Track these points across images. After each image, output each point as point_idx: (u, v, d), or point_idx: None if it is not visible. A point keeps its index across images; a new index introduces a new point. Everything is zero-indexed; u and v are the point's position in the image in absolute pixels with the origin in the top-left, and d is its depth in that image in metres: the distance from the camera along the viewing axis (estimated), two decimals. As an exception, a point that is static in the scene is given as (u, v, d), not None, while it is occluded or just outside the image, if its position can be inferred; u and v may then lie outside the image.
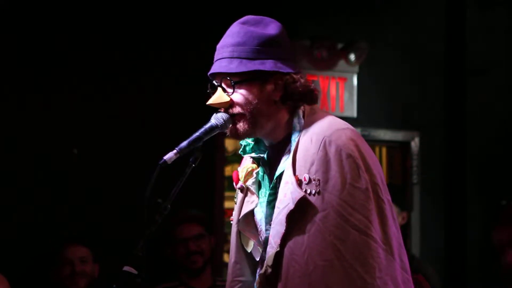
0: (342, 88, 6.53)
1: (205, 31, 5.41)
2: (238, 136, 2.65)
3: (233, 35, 2.61)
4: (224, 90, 2.62)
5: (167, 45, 5.75)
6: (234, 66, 2.58)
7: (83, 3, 5.55)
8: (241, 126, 2.61)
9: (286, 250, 2.53)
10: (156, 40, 5.73)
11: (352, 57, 6.40)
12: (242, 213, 2.73)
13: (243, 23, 2.64)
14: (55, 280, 4.78)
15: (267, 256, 2.58)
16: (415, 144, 6.87)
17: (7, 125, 5.31)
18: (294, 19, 6.18)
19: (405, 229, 6.55)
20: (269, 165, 2.69)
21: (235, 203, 2.79)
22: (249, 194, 2.73)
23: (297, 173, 2.54)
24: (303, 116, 2.63)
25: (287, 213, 2.52)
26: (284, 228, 2.52)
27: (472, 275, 6.59)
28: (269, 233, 2.60)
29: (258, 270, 2.68)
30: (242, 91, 2.60)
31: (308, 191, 2.51)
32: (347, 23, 6.57)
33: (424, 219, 6.81)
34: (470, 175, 6.86)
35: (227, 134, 2.66)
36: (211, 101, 2.63)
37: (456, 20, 6.93)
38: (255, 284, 2.67)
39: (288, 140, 2.63)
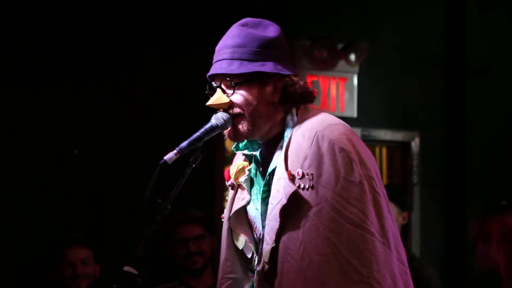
0: (342, 88, 6.53)
1: (206, 31, 5.41)
2: (238, 138, 2.66)
3: (233, 37, 2.61)
4: (224, 91, 2.62)
5: (168, 45, 5.75)
6: (235, 68, 2.58)
7: (84, 3, 5.55)
8: (241, 128, 2.62)
9: (281, 245, 2.53)
10: (156, 40, 5.73)
11: (352, 57, 6.40)
12: (233, 210, 2.74)
13: (243, 25, 2.64)
14: (56, 282, 4.77)
15: (263, 252, 2.58)
16: (415, 144, 6.87)
17: (7, 125, 5.31)
18: (294, 19, 6.19)
19: (405, 229, 6.56)
20: (262, 162, 2.69)
21: (226, 201, 2.79)
22: (239, 191, 2.74)
23: (289, 168, 2.54)
24: (297, 114, 2.64)
25: (280, 208, 2.52)
26: (278, 223, 2.52)
27: (472, 275, 6.59)
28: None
29: (256, 267, 2.68)
30: (242, 92, 2.60)
31: (302, 186, 2.51)
32: (347, 23, 6.57)
33: (424, 219, 6.82)
34: (470, 175, 6.86)
35: (225, 137, 2.66)
36: (210, 102, 2.63)
37: (456, 20, 6.94)
38: (253, 281, 2.67)
39: (280, 137, 2.64)
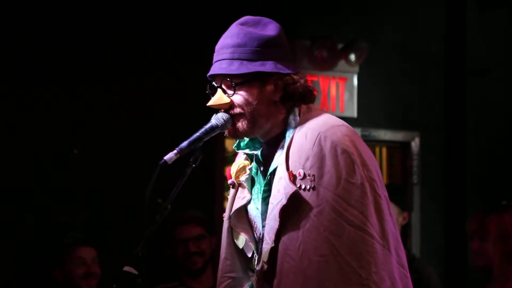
0: (342, 88, 6.53)
1: (206, 31, 5.41)
2: (237, 135, 2.65)
3: (232, 36, 2.61)
4: (224, 92, 2.62)
5: (167, 45, 5.75)
6: (235, 68, 2.58)
7: (84, 3, 5.55)
8: (240, 126, 2.61)
9: (280, 245, 2.52)
10: (156, 40, 5.73)
11: (352, 57, 6.40)
12: (233, 209, 2.73)
13: (242, 24, 2.64)
14: (63, 281, 4.73)
15: (263, 252, 2.58)
16: (415, 144, 6.87)
17: (7, 125, 5.31)
18: (294, 19, 6.19)
19: (405, 229, 6.56)
20: (263, 161, 2.69)
21: (227, 200, 2.79)
22: (240, 189, 2.73)
23: (291, 169, 2.54)
24: (299, 114, 2.63)
25: (280, 208, 2.52)
26: (277, 223, 2.52)
27: (472, 275, 6.59)
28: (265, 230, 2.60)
29: (256, 267, 2.67)
30: (242, 92, 2.60)
31: (303, 186, 2.51)
32: (347, 23, 6.57)
33: (424, 219, 6.82)
34: (470, 175, 6.86)
35: (226, 135, 2.66)
36: (211, 102, 2.63)
37: (456, 20, 6.94)
38: (253, 280, 2.67)
39: (282, 136, 2.63)
